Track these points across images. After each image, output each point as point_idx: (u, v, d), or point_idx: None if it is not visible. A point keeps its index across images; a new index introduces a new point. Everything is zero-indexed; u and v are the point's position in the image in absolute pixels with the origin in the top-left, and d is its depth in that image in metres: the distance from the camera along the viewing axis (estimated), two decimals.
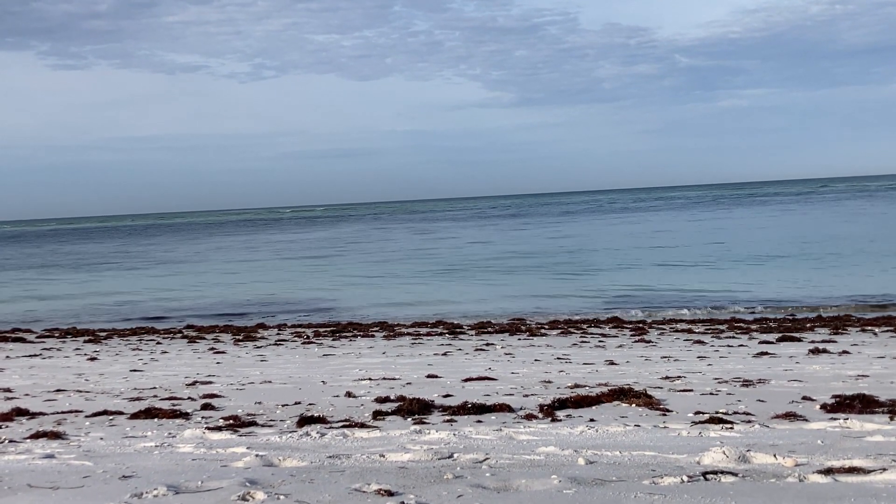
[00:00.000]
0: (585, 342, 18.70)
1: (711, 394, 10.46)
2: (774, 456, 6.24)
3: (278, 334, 22.30)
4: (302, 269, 47.62)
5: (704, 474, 5.75)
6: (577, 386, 11.40)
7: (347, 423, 8.85)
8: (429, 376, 13.09)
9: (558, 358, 15.63)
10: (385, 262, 49.75)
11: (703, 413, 8.96)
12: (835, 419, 8.32)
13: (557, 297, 30.28)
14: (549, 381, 12.08)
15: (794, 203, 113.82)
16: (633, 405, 9.53)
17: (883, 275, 32.31)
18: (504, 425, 8.55)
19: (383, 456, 6.75)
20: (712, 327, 20.87)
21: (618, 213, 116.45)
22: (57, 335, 23.58)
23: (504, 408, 9.55)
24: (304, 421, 9.09)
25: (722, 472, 5.78)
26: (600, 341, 18.77)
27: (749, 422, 8.45)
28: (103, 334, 23.37)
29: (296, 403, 10.51)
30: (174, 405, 10.60)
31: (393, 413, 9.45)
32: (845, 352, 15.61)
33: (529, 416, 9.11)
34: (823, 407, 9.22)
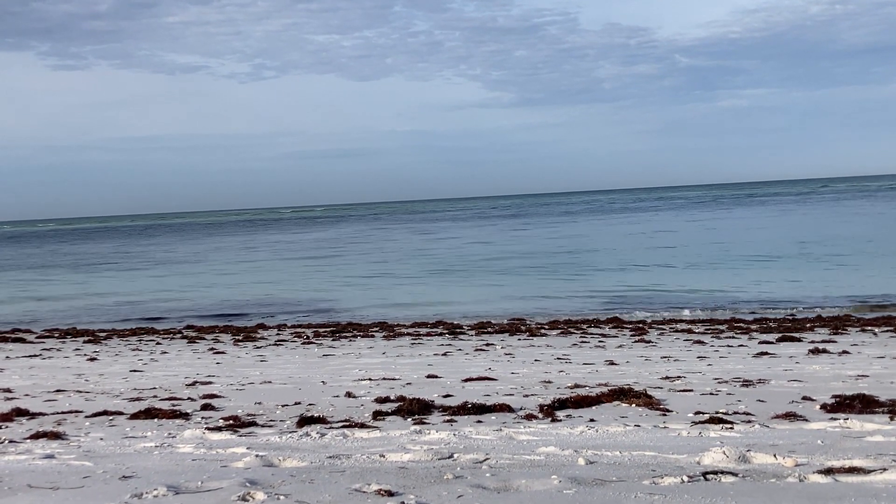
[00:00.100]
0: (585, 342, 18.70)
1: (711, 394, 10.46)
2: (774, 456, 6.24)
3: (278, 334, 22.30)
4: (302, 270, 47.62)
5: (704, 474, 5.75)
6: (577, 386, 11.40)
7: (347, 424, 8.85)
8: (429, 376, 13.09)
9: (558, 358, 15.63)
10: (385, 263, 49.76)
11: (703, 413, 8.96)
12: (835, 419, 8.32)
13: (557, 298, 30.28)
14: (549, 382, 12.08)
15: (794, 203, 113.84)
16: (633, 405, 9.53)
17: (883, 275, 32.30)
18: (504, 425, 8.54)
19: (383, 456, 6.75)
20: (712, 327, 20.87)
21: (618, 213, 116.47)
22: (57, 335, 23.58)
23: (504, 408, 9.55)
24: (304, 421, 9.09)
25: (722, 472, 5.78)
26: (600, 341, 18.77)
27: (749, 422, 8.45)
28: (103, 335, 23.37)
29: (296, 404, 10.51)
30: (174, 405, 10.60)
31: (393, 413, 9.44)
32: (845, 352, 15.61)
33: (529, 417, 9.11)
34: (823, 407, 9.22)
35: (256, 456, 6.77)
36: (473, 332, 21.44)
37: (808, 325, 20.81)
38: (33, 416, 10.02)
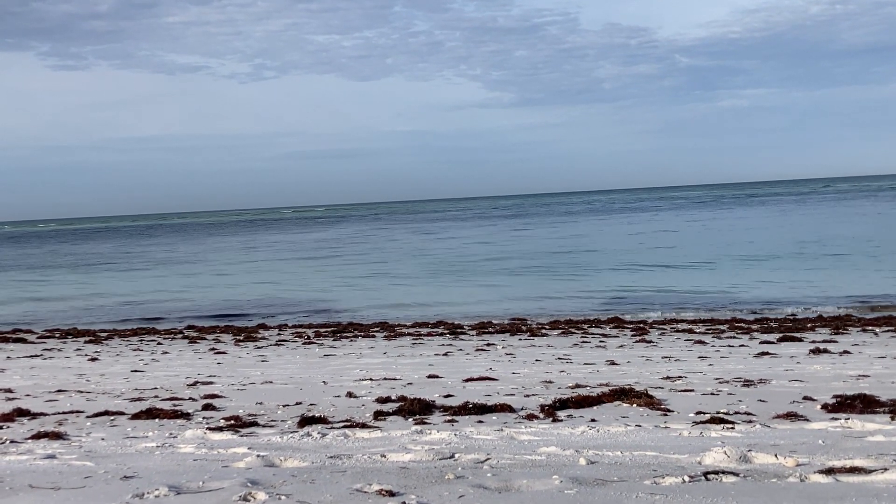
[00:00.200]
0: (586, 342, 18.70)
1: (712, 394, 10.45)
2: (776, 456, 6.24)
3: (279, 335, 22.30)
4: (302, 270, 47.63)
5: (706, 474, 5.75)
6: (578, 386, 11.40)
7: (348, 424, 8.85)
8: (430, 376, 13.09)
9: (559, 358, 15.63)
10: (385, 263, 49.76)
11: (705, 413, 8.96)
12: (836, 419, 8.31)
13: (558, 298, 30.27)
14: (550, 382, 12.08)
15: (795, 203, 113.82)
16: (635, 405, 9.53)
17: (883, 275, 32.29)
18: (505, 425, 8.55)
19: (384, 456, 6.75)
20: (713, 327, 20.87)
21: (618, 213, 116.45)
22: (58, 336, 23.58)
23: (505, 408, 9.55)
24: (306, 421, 9.09)
25: (723, 472, 5.78)
26: (601, 341, 18.77)
27: (750, 422, 8.45)
28: (104, 335, 23.38)
29: (297, 404, 10.51)
30: (175, 405, 10.60)
31: (394, 413, 9.44)
32: (846, 352, 15.60)
33: (530, 417, 9.11)
34: (824, 407, 9.22)
35: (258, 456, 6.77)
36: (474, 332, 21.44)
37: (808, 325, 20.81)
38: (34, 416, 10.02)
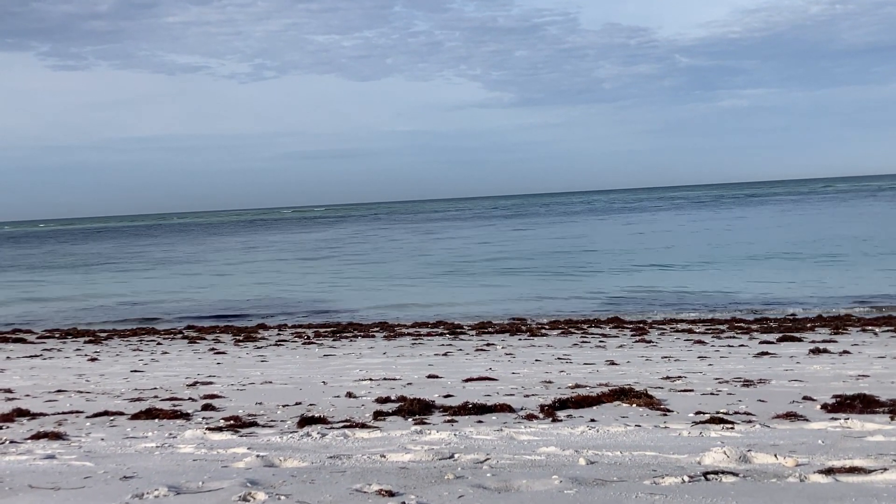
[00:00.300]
0: (586, 342, 18.70)
1: (712, 394, 10.45)
2: (775, 456, 6.24)
3: (279, 335, 22.30)
4: (302, 270, 47.62)
5: (705, 474, 5.75)
6: (577, 386, 11.40)
7: (348, 424, 8.85)
8: (429, 377, 13.09)
9: (559, 358, 15.63)
10: (385, 263, 49.76)
11: (704, 413, 8.96)
12: (835, 419, 8.31)
13: (558, 298, 30.26)
14: (550, 382, 12.08)
15: (795, 203, 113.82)
16: (634, 405, 9.52)
17: (883, 275, 32.30)
18: (505, 425, 8.54)
19: (384, 456, 6.75)
20: (713, 327, 20.87)
21: (618, 213, 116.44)
22: (57, 336, 23.58)
23: (505, 408, 9.55)
24: (305, 421, 9.09)
25: (723, 473, 5.78)
26: (601, 341, 18.77)
27: (750, 422, 8.45)
28: (104, 335, 23.38)
29: (296, 404, 10.51)
30: (175, 406, 10.60)
31: (394, 413, 9.44)
32: (846, 352, 15.60)
33: (530, 417, 9.11)
34: (824, 407, 9.22)
35: (257, 456, 6.77)
36: (474, 333, 21.44)
37: (808, 324, 20.81)
38: (34, 416, 10.02)
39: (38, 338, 23.35)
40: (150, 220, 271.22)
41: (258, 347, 19.58)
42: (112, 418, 9.83)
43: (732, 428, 8.06)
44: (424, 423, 8.84)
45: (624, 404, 9.60)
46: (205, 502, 5.42)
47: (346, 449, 7.32)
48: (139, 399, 11.39)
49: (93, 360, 17.71)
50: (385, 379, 12.94)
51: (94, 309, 32.88)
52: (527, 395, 10.70)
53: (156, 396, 11.60)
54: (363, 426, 8.67)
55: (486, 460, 6.52)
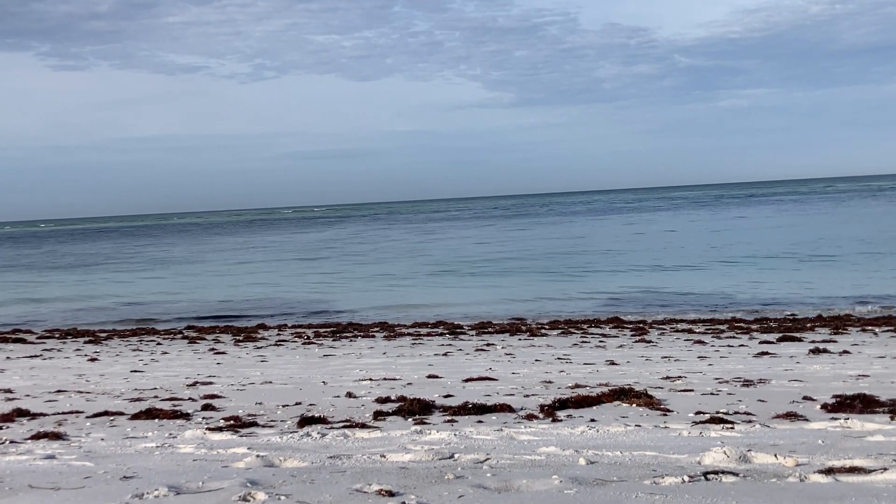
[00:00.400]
0: (586, 342, 18.70)
1: (712, 394, 10.45)
2: (775, 456, 6.24)
3: (279, 335, 22.30)
4: (302, 270, 47.61)
5: (705, 474, 5.75)
6: (577, 386, 11.40)
7: (348, 424, 8.85)
8: (429, 377, 13.09)
9: (559, 358, 15.63)
10: (385, 263, 49.75)
11: (704, 413, 8.96)
12: (835, 419, 8.31)
13: (558, 298, 30.26)
14: (550, 382, 12.08)
15: (795, 203, 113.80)
16: (634, 405, 9.52)
17: (883, 275, 32.30)
18: (505, 425, 8.54)
19: (384, 456, 6.75)
20: (713, 327, 20.87)
21: (618, 213, 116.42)
22: (57, 336, 23.58)
23: (505, 408, 9.55)
24: (305, 421, 9.09)
25: (723, 472, 5.78)
26: (601, 341, 18.77)
27: (750, 422, 8.45)
28: (104, 335, 23.38)
29: (296, 404, 10.51)
30: (175, 406, 10.60)
31: (394, 413, 9.44)
32: (846, 352, 15.60)
33: (530, 417, 9.11)
34: (824, 407, 9.22)
35: (257, 456, 6.77)
36: (474, 333, 21.44)
37: (808, 324, 20.81)
38: (34, 416, 10.02)
39: (37, 338, 23.35)
40: (150, 220, 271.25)
41: (258, 347, 19.58)
42: (112, 418, 9.83)
43: (732, 428, 8.06)
44: (424, 423, 8.85)
45: (624, 404, 9.60)
46: (205, 502, 5.42)
47: (346, 449, 7.32)
48: (139, 399, 11.39)
49: (93, 360, 17.71)
50: (385, 379, 12.94)
51: (94, 309, 32.88)
52: (527, 395, 10.70)
53: (156, 396, 11.60)
54: (363, 426, 8.67)
55: (486, 460, 6.52)
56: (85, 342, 21.87)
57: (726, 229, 66.83)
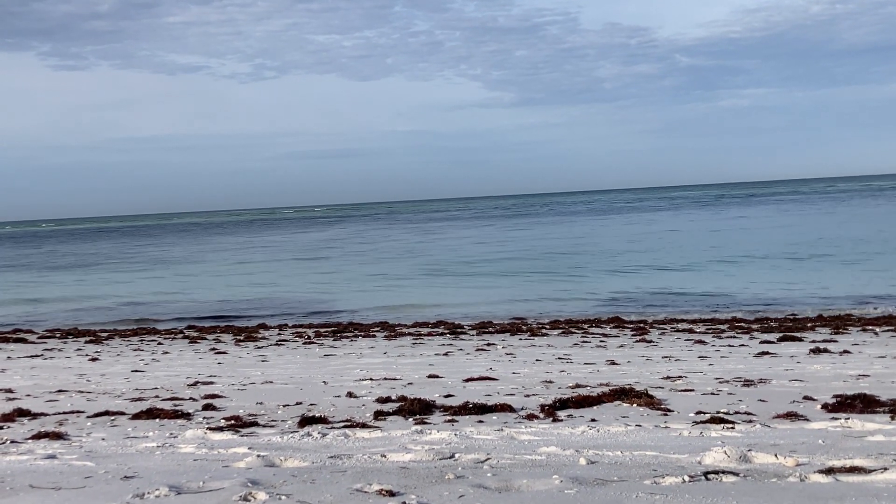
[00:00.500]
0: (586, 342, 18.70)
1: (713, 394, 10.46)
2: (776, 456, 6.24)
3: (279, 335, 22.31)
4: (302, 270, 47.62)
5: (706, 474, 5.75)
6: (578, 386, 11.40)
7: (349, 424, 8.86)
8: (430, 376, 13.09)
9: (559, 358, 15.63)
10: (385, 263, 49.76)
11: (705, 413, 8.97)
12: (836, 419, 8.32)
13: (558, 298, 30.27)
14: (551, 381, 12.09)
15: (795, 203, 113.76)
16: (635, 405, 9.53)
17: (884, 274, 32.29)
18: (505, 425, 8.55)
19: (385, 456, 6.76)
20: (713, 327, 20.87)
21: (618, 212, 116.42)
22: (58, 336, 23.59)
23: (505, 408, 9.56)
24: (306, 421, 9.10)
25: (723, 472, 5.78)
26: (601, 341, 18.77)
27: (750, 421, 8.45)
28: (104, 335, 23.38)
29: (297, 404, 10.51)
30: (176, 405, 10.60)
31: (394, 413, 9.45)
32: (846, 351, 15.60)
33: (531, 416, 9.11)
34: (824, 407, 9.22)
35: (258, 456, 6.78)
36: (474, 332, 21.44)
37: (809, 324, 20.81)
38: (35, 416, 10.03)
39: (38, 338, 23.36)
40: (151, 220, 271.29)
41: (259, 347, 19.59)
42: (113, 418, 9.84)
43: (733, 428, 8.07)
44: (425, 423, 8.85)
45: (624, 404, 9.60)
46: (206, 502, 5.43)
47: (346, 449, 7.32)
48: (140, 399, 11.40)
49: (94, 359, 17.71)
50: (386, 379, 12.94)
51: (95, 309, 32.88)
52: (527, 395, 10.71)
53: (157, 396, 11.61)
54: (364, 426, 8.68)
55: (486, 460, 6.52)
56: (86, 342, 21.87)
57: (727, 229, 66.84)
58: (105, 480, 6.10)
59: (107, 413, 10.10)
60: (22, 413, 10.07)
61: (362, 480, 5.84)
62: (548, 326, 22.31)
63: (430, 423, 8.83)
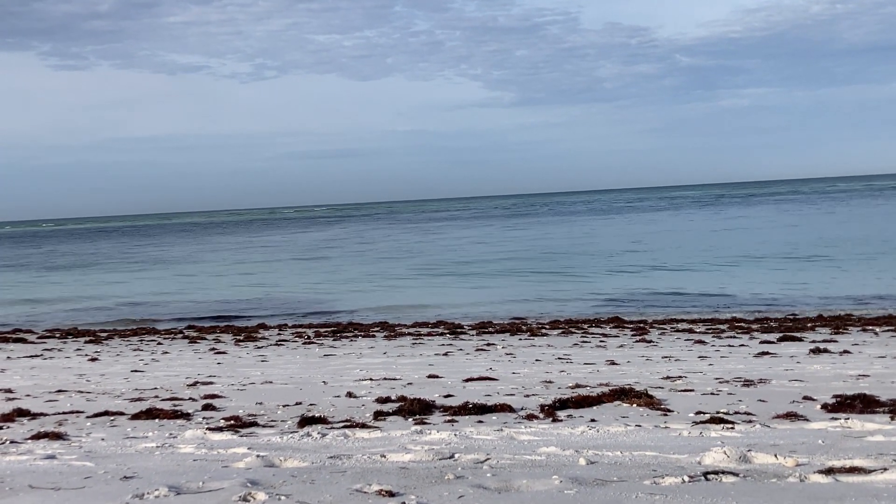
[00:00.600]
0: (586, 342, 18.70)
1: (712, 394, 10.45)
2: (775, 456, 6.24)
3: (279, 334, 22.30)
4: (302, 270, 47.62)
5: (705, 474, 5.75)
6: (578, 386, 11.40)
7: (348, 424, 8.85)
8: (430, 376, 13.09)
9: (559, 358, 15.63)
10: (385, 262, 49.76)
11: (704, 413, 8.96)
12: (836, 419, 8.31)
13: (558, 298, 30.26)
14: (550, 381, 12.08)
15: (795, 203, 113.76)
16: (634, 405, 9.53)
17: (884, 274, 32.29)
18: (505, 425, 8.55)
19: (384, 456, 6.75)
20: (713, 327, 20.86)
21: (618, 212, 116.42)
22: (58, 336, 23.58)
23: (505, 408, 9.55)
24: (305, 421, 9.09)
25: (723, 472, 5.78)
26: (601, 341, 18.77)
27: (750, 422, 8.45)
28: (104, 335, 23.38)
29: (297, 404, 10.51)
30: (175, 406, 10.60)
31: (394, 413, 9.45)
32: (846, 351, 15.60)
33: (530, 417, 9.11)
34: (824, 407, 9.22)
35: (257, 456, 6.78)
36: (474, 332, 21.44)
37: (808, 324, 20.80)
38: (34, 416, 10.02)
39: (38, 338, 23.35)
40: (151, 219, 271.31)
41: (258, 347, 19.58)
42: (112, 418, 9.84)
43: (733, 428, 8.07)
44: (425, 423, 8.85)
45: (624, 404, 9.60)
46: (205, 502, 5.43)
47: (346, 449, 7.32)
48: (139, 399, 11.40)
49: (93, 360, 17.71)
50: (385, 379, 12.94)
51: (95, 309, 32.88)
52: (527, 395, 10.71)
53: (156, 396, 11.61)
54: (363, 426, 8.68)
55: (486, 460, 6.52)
56: (85, 342, 21.87)
57: (727, 229, 66.82)
58: (104, 481, 6.10)
59: (106, 413, 10.10)
60: (21, 413, 10.07)
61: (362, 481, 5.84)
62: (548, 326, 22.31)
63: (429, 424, 8.83)
